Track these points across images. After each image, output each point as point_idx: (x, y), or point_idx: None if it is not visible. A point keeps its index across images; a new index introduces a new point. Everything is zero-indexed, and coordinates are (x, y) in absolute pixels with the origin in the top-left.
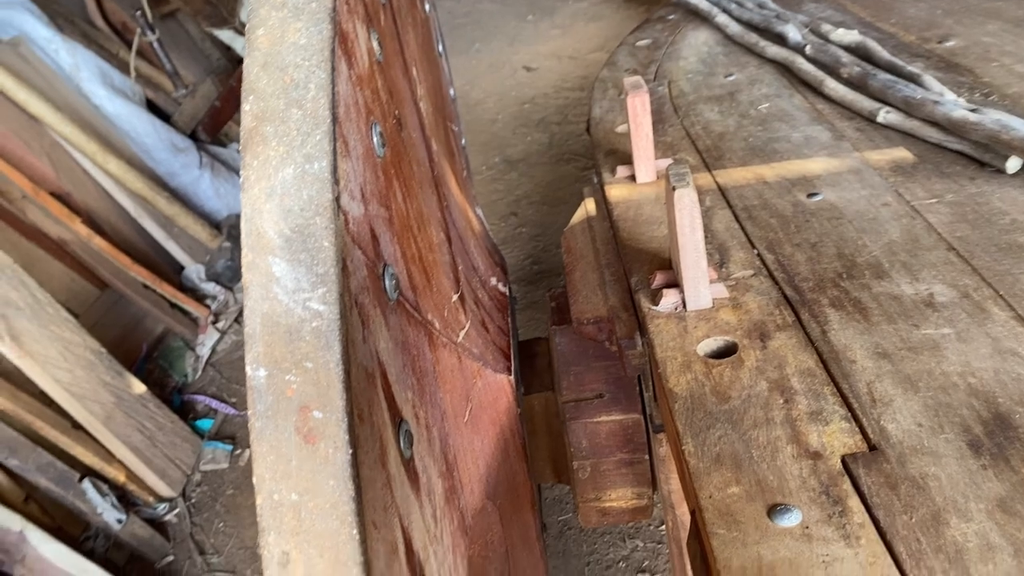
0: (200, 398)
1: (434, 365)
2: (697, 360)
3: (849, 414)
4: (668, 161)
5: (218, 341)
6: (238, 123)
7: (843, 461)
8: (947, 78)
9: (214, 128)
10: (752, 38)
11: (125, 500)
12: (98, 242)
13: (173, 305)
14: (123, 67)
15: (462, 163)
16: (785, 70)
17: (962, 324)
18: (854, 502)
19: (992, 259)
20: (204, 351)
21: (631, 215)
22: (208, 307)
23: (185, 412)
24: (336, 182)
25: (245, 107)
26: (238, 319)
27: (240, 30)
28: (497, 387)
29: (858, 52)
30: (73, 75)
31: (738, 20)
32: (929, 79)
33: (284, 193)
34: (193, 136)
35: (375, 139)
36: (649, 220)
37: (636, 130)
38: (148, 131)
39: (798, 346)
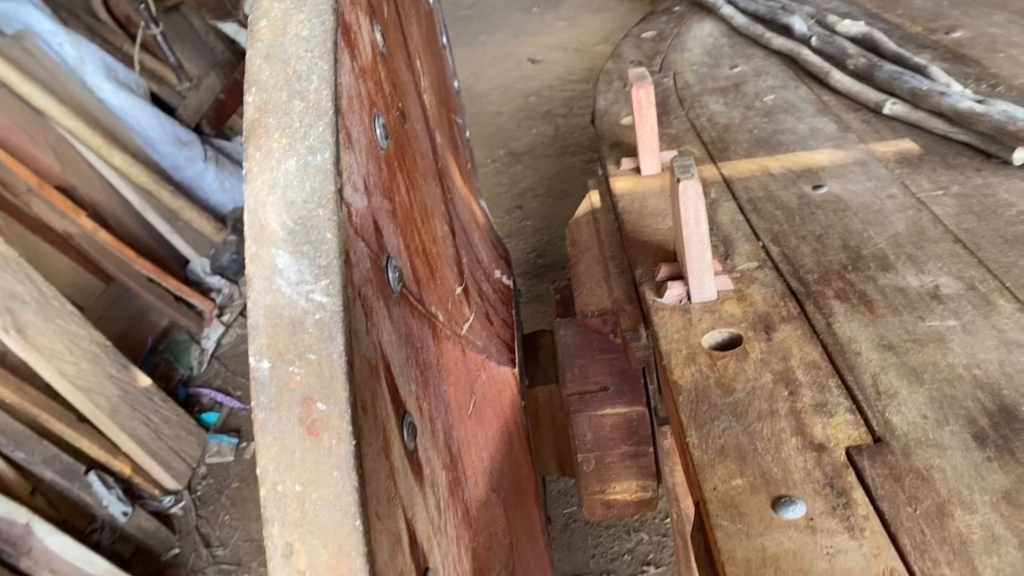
0: (205, 391)
1: (438, 357)
2: (701, 352)
3: (854, 406)
4: (673, 153)
5: (223, 334)
6: (242, 116)
7: (847, 453)
8: (954, 69)
9: (218, 121)
10: (758, 29)
11: (131, 493)
12: (103, 236)
13: (178, 299)
14: (127, 60)
15: (466, 155)
16: (791, 62)
17: (968, 316)
18: (858, 494)
19: (998, 251)
20: (209, 344)
21: (636, 207)
22: (213, 300)
23: (190, 405)
24: (339, 174)
25: (248, 99)
26: (243, 312)
27: (244, 23)
28: (501, 380)
29: (864, 43)
30: (77, 69)
31: (743, 11)
32: (936, 70)
33: (287, 185)
34: (197, 129)
35: (378, 131)
36: (654, 212)
37: (641, 122)
38: (152, 124)
39: (803, 338)
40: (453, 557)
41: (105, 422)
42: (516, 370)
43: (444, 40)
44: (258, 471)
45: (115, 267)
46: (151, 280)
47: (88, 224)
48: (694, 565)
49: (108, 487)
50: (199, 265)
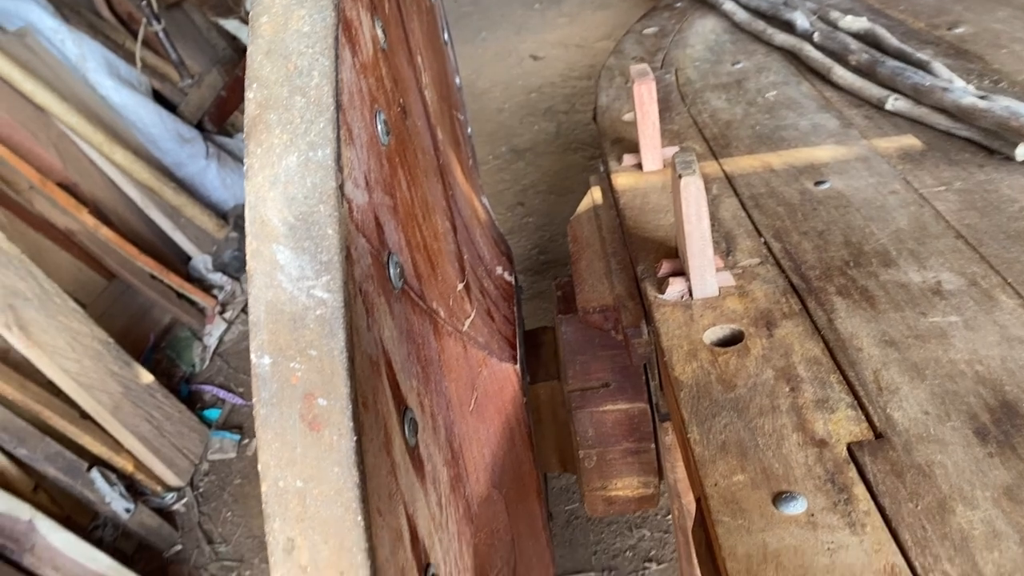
0: (207, 388)
1: (439, 354)
2: (703, 348)
3: (855, 402)
4: (675, 149)
5: (225, 331)
6: (244, 113)
7: (849, 449)
8: (956, 65)
9: (220, 118)
10: (760, 25)
11: (133, 489)
12: (105, 232)
13: (180, 295)
14: (129, 57)
15: (468, 152)
16: (793, 58)
17: (970, 312)
18: (860, 490)
19: (1000, 247)
20: (211, 341)
21: (637, 203)
22: (215, 297)
23: (193, 402)
24: (340, 170)
25: (249, 95)
26: (245, 309)
27: (246, 19)
28: (503, 376)
29: (867, 39)
30: (79, 65)
31: (745, 7)
32: (938, 66)
33: (288, 181)
34: (199, 126)
35: (379, 127)
36: (655, 208)
37: (643, 118)
38: (154, 121)
39: (804, 334)
40: (454, 553)
41: (107, 419)
42: (518, 366)
43: (445, 36)
44: (259, 467)
45: (117, 264)
46: (153, 277)
47: (90, 221)
48: (695, 561)
49: (111, 484)
50: (201, 262)
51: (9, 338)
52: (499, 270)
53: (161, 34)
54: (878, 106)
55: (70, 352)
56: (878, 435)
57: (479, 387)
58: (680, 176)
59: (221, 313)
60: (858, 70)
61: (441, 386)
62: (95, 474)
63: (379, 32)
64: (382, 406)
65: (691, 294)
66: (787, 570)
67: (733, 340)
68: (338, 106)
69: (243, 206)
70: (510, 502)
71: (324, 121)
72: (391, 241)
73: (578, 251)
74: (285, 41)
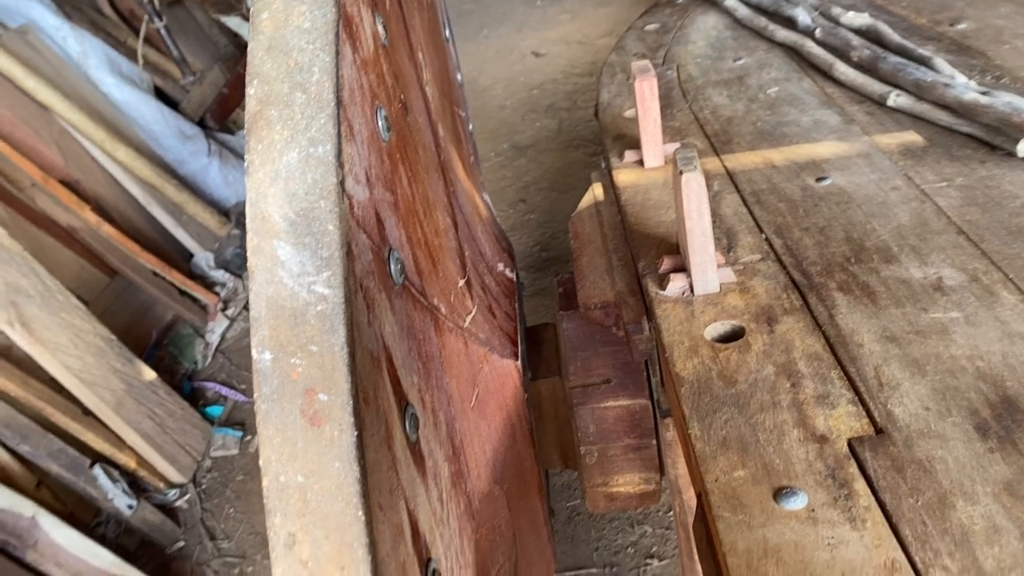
0: (210, 385)
1: (440, 350)
2: (704, 344)
3: (856, 398)
4: (676, 145)
5: (227, 328)
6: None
7: (849, 444)
8: (959, 61)
9: (222, 115)
10: (761, 22)
11: (136, 486)
12: (107, 229)
13: (182, 292)
14: (131, 54)
15: (469, 149)
16: (795, 54)
17: (971, 308)
18: (860, 485)
19: (1002, 243)
20: (213, 338)
21: (639, 200)
22: (217, 294)
23: (195, 399)
24: (340, 166)
25: (249, 91)
26: (247, 306)
27: (247, 16)
28: (504, 372)
29: (869, 35)
30: (81, 63)
31: (747, 3)
32: (940, 62)
33: (288, 177)
34: (201, 123)
35: (380, 123)
36: (657, 205)
37: (644, 115)
38: (156, 118)
39: (805, 330)
40: (455, 548)
41: (110, 416)
42: (519, 363)
43: (447, 33)
44: (261, 462)
45: (119, 261)
46: (155, 274)
47: (92, 218)
48: (696, 556)
49: (113, 480)
50: (203, 259)
51: (11, 335)
52: (500, 266)
53: (163, 31)
54: (880, 102)
55: (72, 349)
56: (879, 431)
57: (480, 383)
58: (681, 172)
59: (223, 310)
60: (860, 66)
61: (442, 382)
62: (98, 471)
63: (380, 28)
64: (383, 402)
65: (692, 290)
66: (788, 565)
67: (734, 336)
68: (339, 102)
69: (245, 203)
70: (511, 498)
71: (325, 117)
72: (392, 237)
73: (579, 247)
74: (286, 37)
